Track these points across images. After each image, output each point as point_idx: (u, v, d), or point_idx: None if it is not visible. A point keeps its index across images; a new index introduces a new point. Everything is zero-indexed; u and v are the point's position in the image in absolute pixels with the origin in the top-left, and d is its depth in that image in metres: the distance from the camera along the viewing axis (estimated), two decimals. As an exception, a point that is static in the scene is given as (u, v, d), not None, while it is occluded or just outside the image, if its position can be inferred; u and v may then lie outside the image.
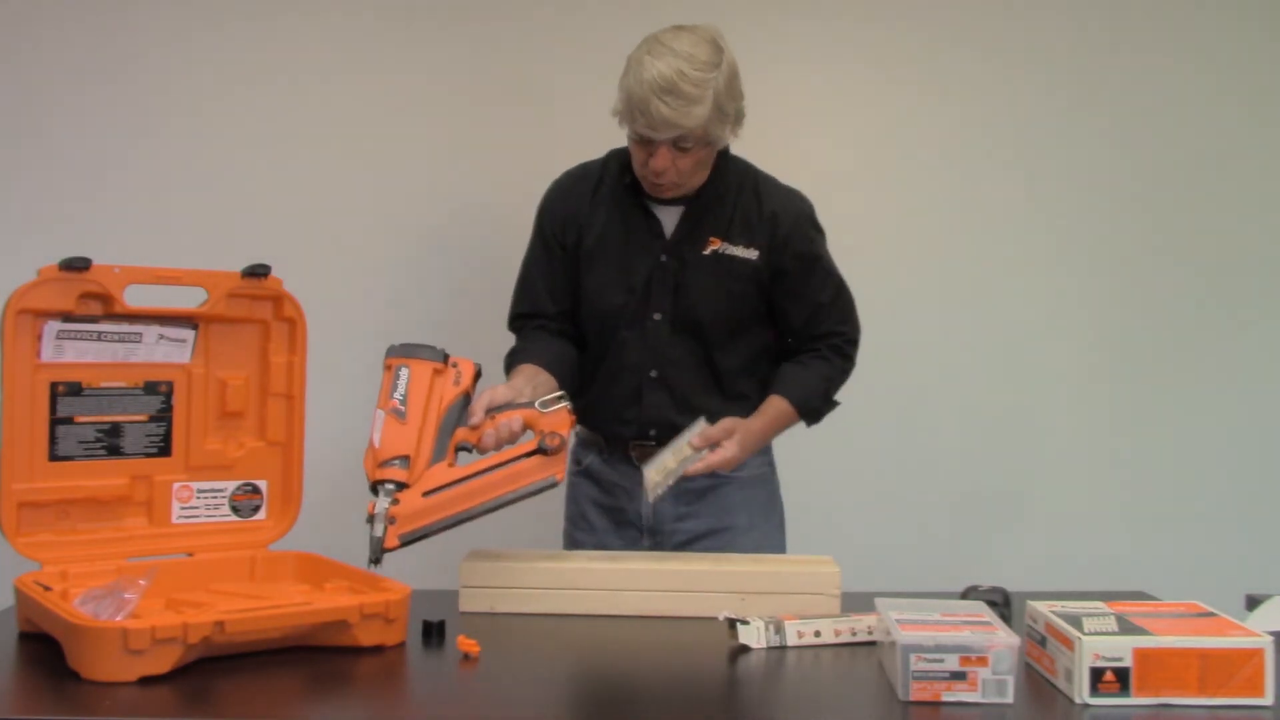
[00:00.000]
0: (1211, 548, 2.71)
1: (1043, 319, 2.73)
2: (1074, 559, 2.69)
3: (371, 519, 1.59)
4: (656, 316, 1.99)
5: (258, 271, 1.66)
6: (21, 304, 1.50)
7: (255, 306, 1.69)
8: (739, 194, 2.00)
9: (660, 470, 1.83)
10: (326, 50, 2.64)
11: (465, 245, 2.67)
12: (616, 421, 2.03)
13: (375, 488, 1.62)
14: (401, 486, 1.62)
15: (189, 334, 1.66)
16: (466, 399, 1.71)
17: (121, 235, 2.52)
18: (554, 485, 1.71)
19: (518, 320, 2.09)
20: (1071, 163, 2.71)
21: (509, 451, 1.71)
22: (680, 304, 1.98)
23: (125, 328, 1.60)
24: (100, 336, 1.58)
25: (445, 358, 1.70)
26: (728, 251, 1.97)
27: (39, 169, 2.58)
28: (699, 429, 1.85)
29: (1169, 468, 2.75)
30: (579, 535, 2.10)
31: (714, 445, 1.85)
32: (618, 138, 1.94)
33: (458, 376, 1.70)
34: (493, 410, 1.72)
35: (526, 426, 1.73)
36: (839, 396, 2.07)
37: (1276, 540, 2.72)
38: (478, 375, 1.74)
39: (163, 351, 1.64)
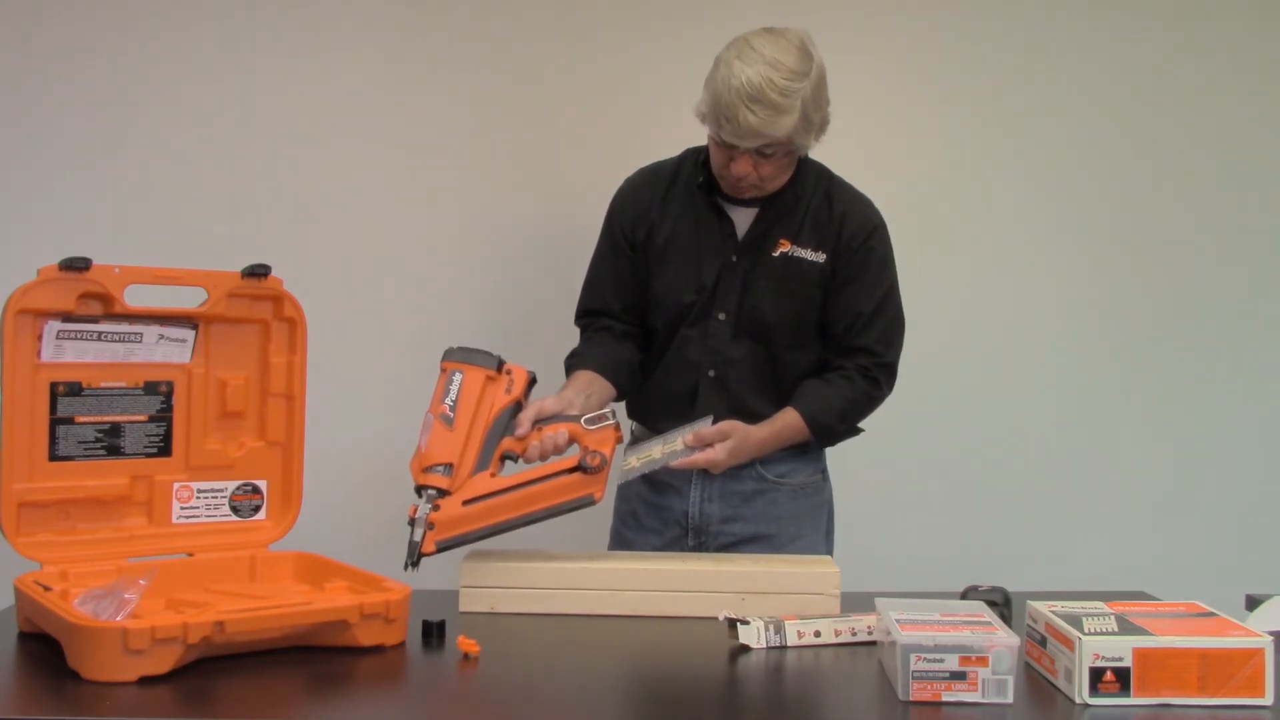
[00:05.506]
0: (1211, 548, 2.71)
1: (1043, 319, 2.73)
2: (1074, 559, 2.69)
3: (412, 523, 1.62)
4: (721, 316, 1.98)
5: (258, 271, 1.66)
6: (21, 304, 1.50)
7: (255, 306, 1.69)
8: (812, 196, 1.98)
9: (643, 458, 1.82)
10: (327, 50, 2.63)
11: (466, 245, 2.67)
12: (670, 418, 1.97)
13: (420, 491, 1.66)
14: (443, 493, 1.64)
15: (189, 334, 1.66)
16: (517, 407, 1.73)
17: (121, 235, 2.52)
18: (592, 503, 1.72)
19: (584, 317, 2.09)
20: (1074, 162, 2.70)
21: (552, 465, 1.72)
22: (746, 305, 1.97)
23: (125, 328, 1.60)
24: (100, 336, 1.58)
25: (500, 365, 1.73)
26: (796, 254, 1.96)
27: (39, 168, 2.58)
28: (697, 426, 1.84)
29: (1169, 468, 2.74)
30: (628, 534, 2.08)
31: (707, 445, 1.83)
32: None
33: (509, 384, 1.73)
34: (540, 422, 1.73)
35: (572, 440, 1.74)
36: (864, 424, 2.04)
37: (1276, 540, 2.72)
38: (531, 383, 1.76)
39: (163, 351, 1.64)
